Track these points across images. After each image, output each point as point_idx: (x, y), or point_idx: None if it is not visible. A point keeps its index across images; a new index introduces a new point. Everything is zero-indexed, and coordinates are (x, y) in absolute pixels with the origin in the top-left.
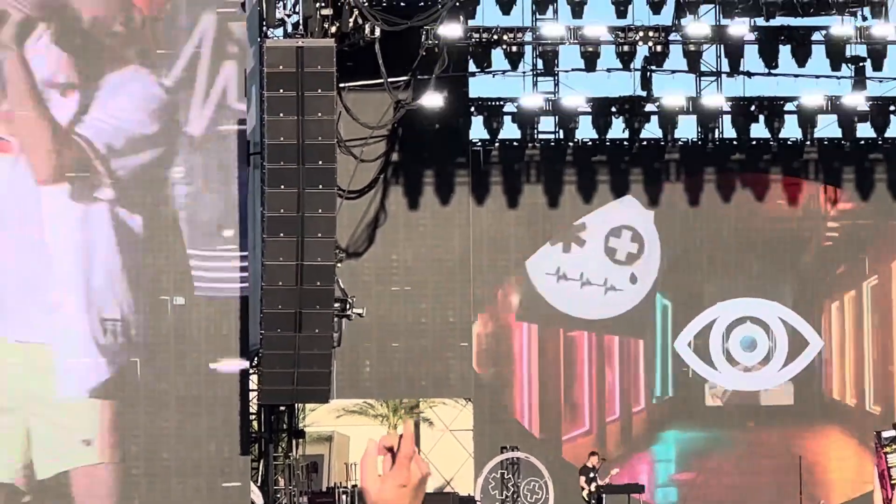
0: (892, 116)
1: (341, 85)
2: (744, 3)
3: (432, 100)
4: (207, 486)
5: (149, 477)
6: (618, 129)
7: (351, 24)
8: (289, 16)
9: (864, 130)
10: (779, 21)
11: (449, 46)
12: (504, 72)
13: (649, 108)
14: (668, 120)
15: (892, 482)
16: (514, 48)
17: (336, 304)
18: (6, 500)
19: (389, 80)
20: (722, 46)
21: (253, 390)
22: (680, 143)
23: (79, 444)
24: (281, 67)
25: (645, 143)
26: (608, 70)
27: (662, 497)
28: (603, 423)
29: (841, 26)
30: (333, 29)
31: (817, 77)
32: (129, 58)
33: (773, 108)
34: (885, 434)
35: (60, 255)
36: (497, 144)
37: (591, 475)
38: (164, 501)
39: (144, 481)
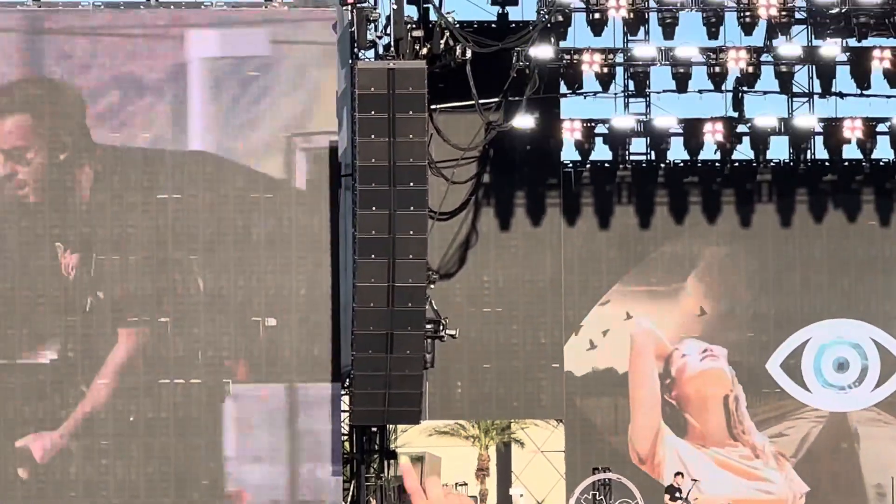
0: None
1: (432, 107)
2: (836, 24)
3: (523, 121)
4: None
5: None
6: (709, 151)
7: (442, 46)
8: (380, 37)
9: None
10: (871, 41)
11: (540, 68)
12: (595, 93)
13: (741, 128)
14: (759, 141)
15: None
16: (606, 69)
17: (429, 326)
18: None
19: (481, 101)
20: (814, 67)
21: (345, 411)
22: (772, 164)
23: None
24: (372, 89)
25: (737, 164)
26: (700, 91)
27: None
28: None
29: None
30: (424, 51)
31: None
32: None
33: (865, 129)
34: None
35: None
36: (588, 166)
37: (677, 494)
38: None
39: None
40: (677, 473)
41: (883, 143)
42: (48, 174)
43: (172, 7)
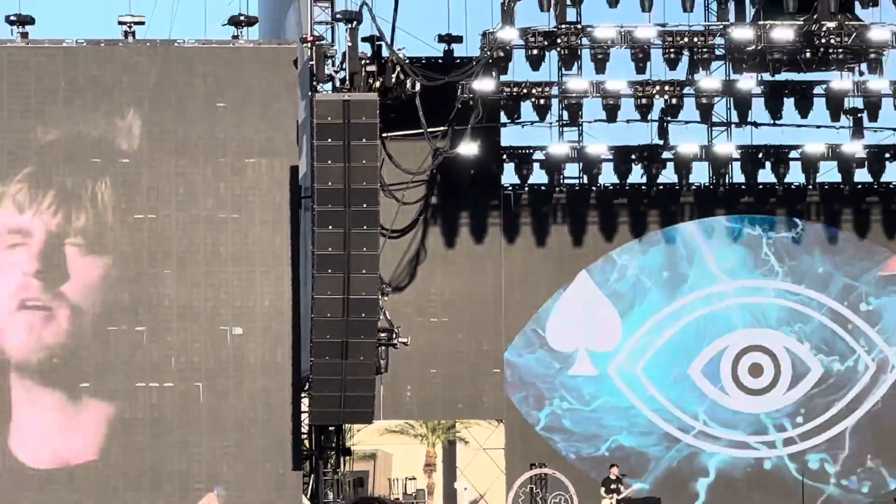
0: (887, 163)
1: (384, 135)
2: (751, 60)
3: (468, 148)
4: (263, 501)
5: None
6: (637, 175)
7: (393, 80)
8: (336, 72)
9: (862, 175)
10: (783, 76)
11: (483, 99)
12: (533, 122)
13: (666, 155)
14: (682, 166)
15: None
16: (542, 101)
17: (382, 334)
18: None
19: (429, 130)
20: (731, 99)
21: (304, 412)
22: (693, 187)
23: None
24: (329, 119)
25: (662, 186)
26: (628, 121)
27: None
28: None
29: (840, 81)
30: (377, 84)
31: (818, 127)
32: None
33: (778, 156)
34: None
35: None
36: (527, 189)
37: (613, 486)
38: None
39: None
40: (612, 465)
41: (795, 168)
42: None
43: (148, 45)
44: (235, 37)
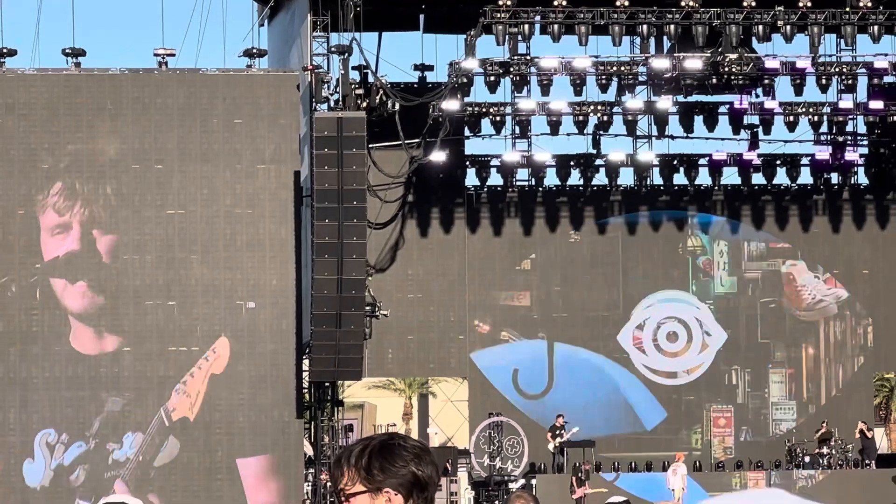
0: (778, 168)
1: (370, 145)
2: (668, 85)
3: (437, 156)
4: (273, 442)
5: (229, 435)
6: (575, 178)
7: (377, 101)
8: (332, 94)
9: (758, 179)
10: (694, 98)
11: (450, 117)
12: (490, 135)
13: (598, 162)
14: (612, 171)
15: None
16: (498, 118)
17: (368, 307)
18: None
19: (406, 141)
20: (652, 116)
21: (305, 370)
22: (621, 188)
23: None
24: (326, 132)
25: (595, 188)
26: (568, 134)
27: None
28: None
29: (740, 102)
30: (364, 104)
31: (723, 139)
32: None
33: (690, 162)
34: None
35: None
36: (485, 189)
37: (557, 432)
38: (240, 452)
39: (225, 439)
40: (559, 415)
41: (703, 172)
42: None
43: (178, 72)
44: (249, 66)
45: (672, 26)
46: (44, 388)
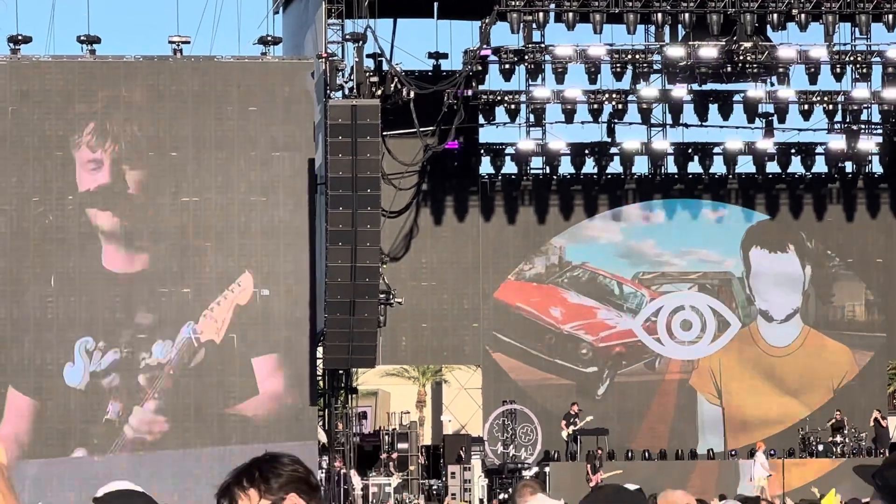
0: (793, 157)
1: (384, 133)
2: (683, 73)
3: (451, 144)
4: (286, 429)
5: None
6: (589, 166)
7: (392, 89)
8: (346, 82)
9: (772, 167)
10: (709, 86)
11: (464, 104)
12: (505, 123)
13: (613, 150)
14: (626, 159)
15: None
16: (513, 106)
17: (382, 295)
18: None
19: (420, 129)
20: (667, 105)
21: (319, 358)
22: (635, 176)
23: None
24: (340, 120)
25: (610, 176)
26: (582, 122)
27: None
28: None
29: (755, 90)
30: (379, 92)
31: (737, 128)
32: None
33: (704, 151)
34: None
35: None
36: (500, 177)
37: (571, 420)
38: (256, 438)
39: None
40: (573, 403)
41: (718, 161)
42: None
43: (193, 60)
44: (264, 54)
45: (687, 14)
46: (86, 304)
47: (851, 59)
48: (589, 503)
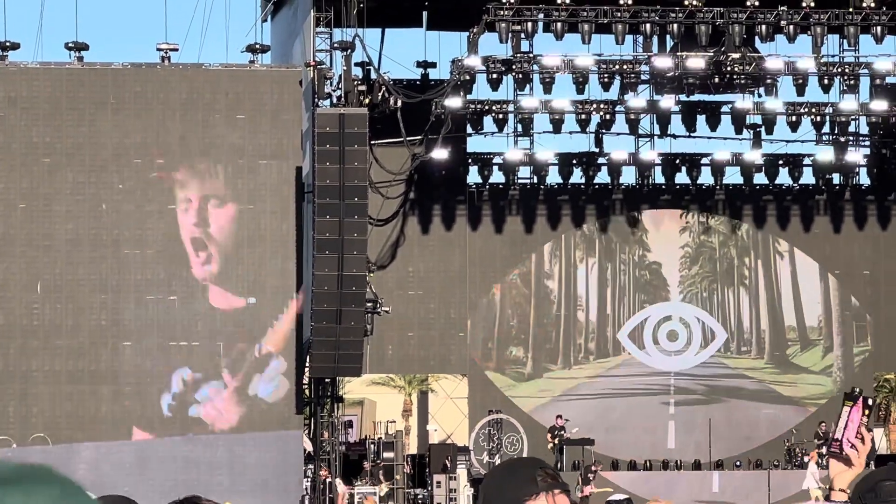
0: (780, 168)
1: (372, 142)
2: (671, 84)
3: (439, 153)
4: (274, 437)
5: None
6: (577, 176)
7: (380, 97)
8: (334, 90)
9: (760, 178)
10: (697, 97)
11: (452, 114)
12: (493, 133)
13: (600, 160)
14: (614, 169)
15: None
16: (501, 115)
17: (369, 304)
18: None
19: (408, 138)
20: (654, 115)
21: (305, 367)
22: (623, 186)
23: None
24: (328, 129)
25: (597, 186)
26: (570, 132)
27: None
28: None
29: (742, 101)
30: (367, 100)
31: (725, 139)
32: None
33: (692, 162)
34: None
35: None
36: (487, 187)
37: (557, 431)
38: (242, 446)
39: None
40: (558, 416)
41: (705, 171)
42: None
43: (181, 67)
44: (252, 61)
45: (675, 25)
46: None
47: (839, 70)
48: None
